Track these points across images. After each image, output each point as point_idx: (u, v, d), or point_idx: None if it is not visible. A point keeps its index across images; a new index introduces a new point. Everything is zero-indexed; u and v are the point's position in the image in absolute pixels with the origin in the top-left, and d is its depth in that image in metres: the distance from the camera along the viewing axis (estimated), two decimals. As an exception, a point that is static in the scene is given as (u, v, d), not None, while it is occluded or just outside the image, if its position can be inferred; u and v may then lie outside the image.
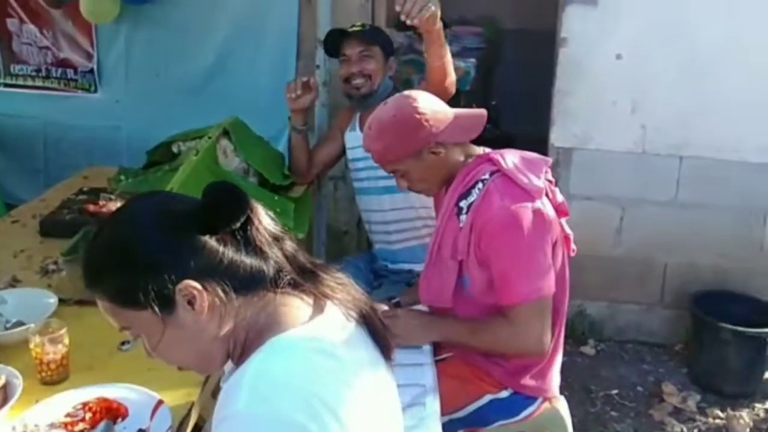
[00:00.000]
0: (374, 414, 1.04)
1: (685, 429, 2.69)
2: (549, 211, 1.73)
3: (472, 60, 4.49)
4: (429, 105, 1.78)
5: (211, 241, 1.00)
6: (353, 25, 2.55)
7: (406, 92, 1.83)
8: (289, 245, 1.09)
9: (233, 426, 0.92)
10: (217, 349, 1.04)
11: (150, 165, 2.49)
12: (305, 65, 2.99)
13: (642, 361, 3.13)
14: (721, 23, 2.84)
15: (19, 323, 1.68)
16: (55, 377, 1.52)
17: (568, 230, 1.89)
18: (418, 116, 1.74)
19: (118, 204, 1.85)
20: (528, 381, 1.84)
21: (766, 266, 3.05)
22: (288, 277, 1.05)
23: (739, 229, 3.04)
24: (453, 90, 2.30)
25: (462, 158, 1.82)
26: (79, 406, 1.44)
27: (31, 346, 1.50)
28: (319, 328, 1.03)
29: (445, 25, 5.29)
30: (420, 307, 1.96)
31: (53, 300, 1.73)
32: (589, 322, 3.26)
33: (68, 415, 1.42)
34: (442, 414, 1.71)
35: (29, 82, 3.34)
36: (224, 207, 1.01)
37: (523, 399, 1.85)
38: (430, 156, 1.77)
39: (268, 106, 3.01)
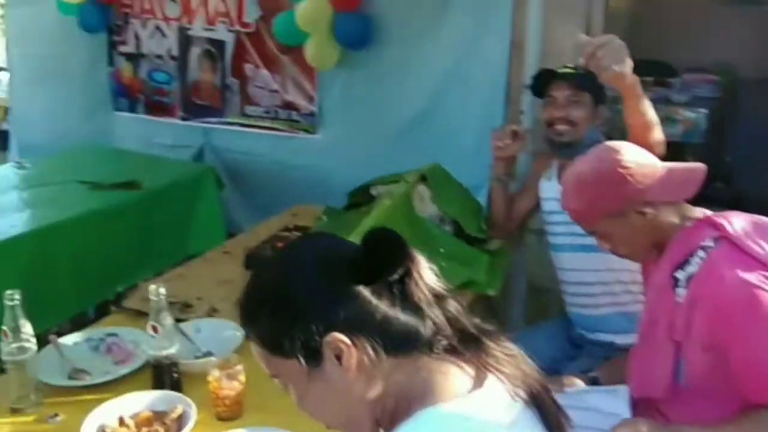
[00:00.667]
0: None
1: None
2: None
3: (703, 110, 4.09)
4: (635, 157, 1.58)
5: (365, 292, 0.93)
6: (565, 66, 2.41)
7: (609, 143, 1.65)
8: (453, 305, 0.99)
9: None
10: (365, 414, 0.96)
11: (350, 206, 2.55)
12: (512, 112, 2.90)
13: None
14: None
15: (208, 354, 1.76)
16: (228, 413, 1.55)
17: None
18: (621, 170, 1.55)
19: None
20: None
21: None
22: (446, 341, 0.96)
23: None
24: (660, 150, 2.02)
25: (676, 220, 1.59)
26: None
27: (209, 379, 1.55)
28: (477, 405, 0.92)
29: (672, 73, 4.94)
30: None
31: (240, 334, 1.77)
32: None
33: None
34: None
35: (260, 123, 3.60)
36: (383, 255, 0.94)
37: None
38: (636, 216, 1.57)
39: (472, 153, 2.96)
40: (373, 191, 2.43)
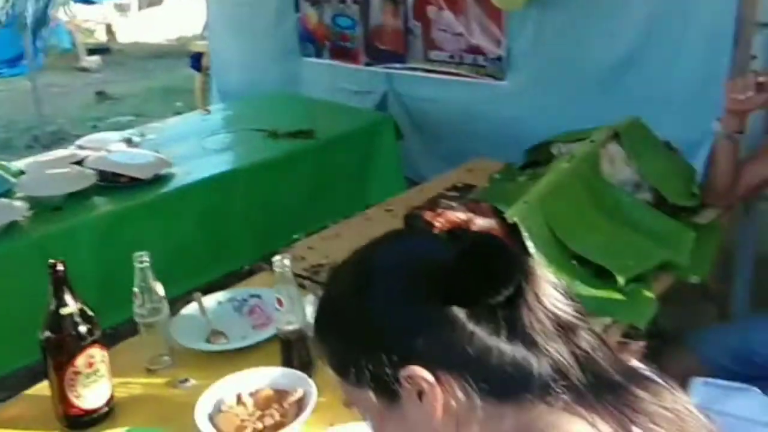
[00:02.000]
0: None
1: None
2: None
3: None
4: None
5: (459, 316, 0.71)
6: None
7: None
8: (585, 339, 0.74)
9: None
10: None
11: (527, 165, 2.23)
12: (741, 57, 2.36)
13: None
14: None
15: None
16: (356, 401, 1.37)
17: None
18: None
19: (459, 215, 1.62)
20: None
21: None
22: (572, 386, 0.71)
23: None
24: None
25: None
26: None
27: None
28: None
29: None
30: None
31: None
32: None
33: (355, 448, 1.27)
34: None
35: (444, 68, 3.35)
36: (487, 270, 0.70)
37: None
38: None
39: (688, 105, 2.50)
40: (554, 150, 2.08)
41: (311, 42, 3.87)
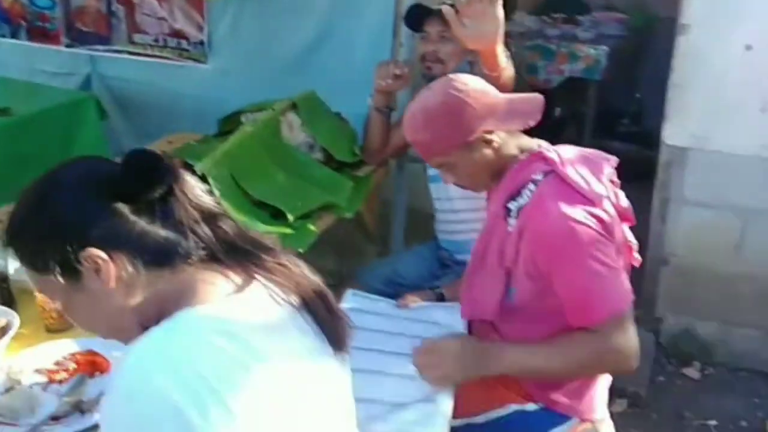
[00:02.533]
0: (289, 404, 0.94)
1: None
2: (612, 218, 1.51)
3: (604, 48, 4.16)
4: (479, 89, 1.60)
5: (123, 209, 0.95)
6: (443, 2, 2.41)
7: (453, 76, 1.65)
8: (224, 223, 1.02)
9: (110, 396, 0.88)
10: (129, 321, 0.98)
11: (220, 134, 2.51)
12: (395, 47, 2.88)
13: (755, 393, 2.74)
14: None
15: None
16: (57, 325, 1.54)
17: (631, 239, 1.66)
18: (469, 100, 1.56)
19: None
20: (560, 397, 1.63)
21: None
22: (210, 253, 0.98)
23: None
24: (509, 88, 2.01)
25: (516, 152, 1.62)
26: (69, 356, 1.45)
27: (36, 292, 1.53)
28: (231, 307, 0.95)
29: (584, 11, 4.98)
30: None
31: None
32: (698, 343, 2.90)
33: (56, 363, 1.44)
34: (458, 416, 1.56)
35: (148, 51, 3.49)
36: (143, 175, 0.95)
37: (553, 416, 1.64)
38: (482, 147, 1.58)
39: (360, 82, 2.94)
40: (244, 119, 2.39)
41: (5, 22, 3.74)
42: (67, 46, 3.64)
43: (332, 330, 1.04)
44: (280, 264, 1.03)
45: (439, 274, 2.35)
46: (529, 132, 1.69)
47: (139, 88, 3.56)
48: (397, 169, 2.81)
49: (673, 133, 2.75)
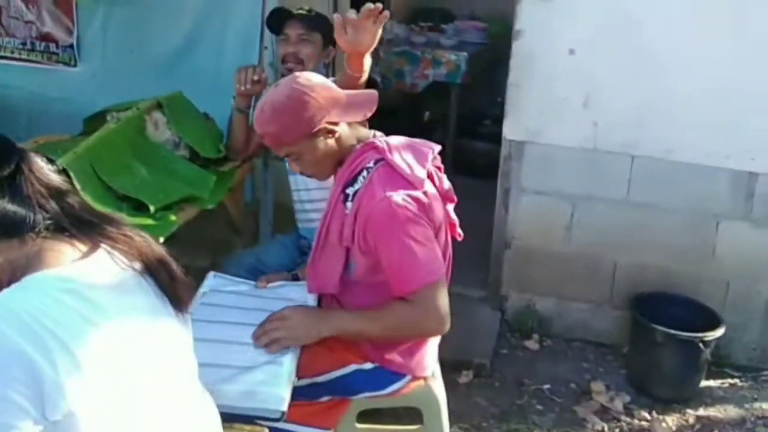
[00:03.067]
0: (133, 358, 1.09)
1: (606, 428, 2.66)
2: (431, 199, 1.75)
3: (464, 54, 4.50)
4: (321, 85, 1.78)
5: None
6: (300, 8, 2.61)
7: (297, 74, 1.83)
8: (72, 199, 1.15)
9: None
10: None
11: (86, 132, 2.60)
12: (261, 51, 3.07)
13: (584, 359, 3.10)
14: (676, 21, 2.79)
15: None
16: None
17: (453, 216, 1.92)
18: (312, 95, 1.73)
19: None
20: (394, 357, 1.86)
21: (715, 272, 2.98)
22: (53, 223, 1.11)
23: (691, 232, 2.98)
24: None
25: (354, 142, 1.83)
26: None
27: None
28: (76, 270, 1.08)
29: (451, 19, 5.31)
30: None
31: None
32: (537, 318, 3.24)
33: None
34: (303, 376, 1.77)
35: (16, 55, 3.51)
36: None
37: (389, 374, 1.87)
38: (325, 137, 1.77)
39: (230, 84, 3.07)
40: (109, 117, 2.50)
41: None
42: (-71, 49, 3.59)
43: (173, 293, 1.20)
44: (123, 234, 1.18)
45: (299, 261, 2.52)
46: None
47: (7, 92, 3.55)
48: (263, 166, 3.00)
49: (511, 129, 3.07)
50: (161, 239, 2.09)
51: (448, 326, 1.75)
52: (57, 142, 2.52)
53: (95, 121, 2.56)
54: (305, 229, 2.58)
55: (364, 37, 1.97)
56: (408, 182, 1.74)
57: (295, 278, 2.16)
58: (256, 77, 2.48)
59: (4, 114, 3.55)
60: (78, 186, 2.02)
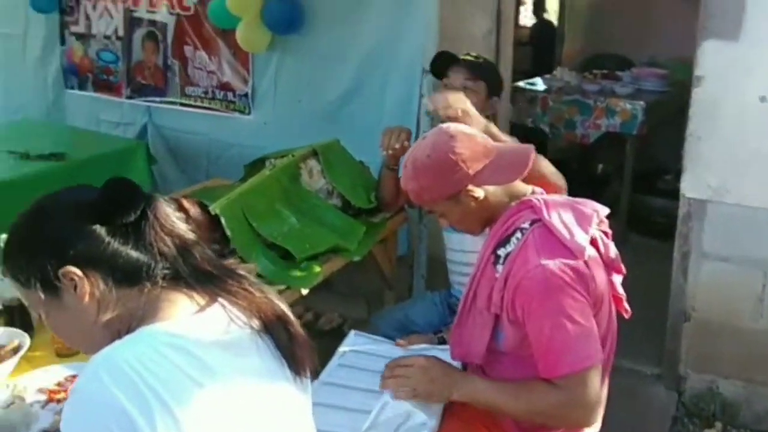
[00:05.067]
0: (239, 425, 1.03)
1: None
2: (593, 269, 1.56)
3: (641, 103, 4.18)
4: (468, 143, 1.65)
5: (100, 231, 1.05)
6: (467, 54, 2.52)
7: (445, 126, 1.71)
8: (195, 249, 1.12)
9: (69, 401, 0.98)
10: (101, 335, 1.08)
11: (245, 179, 2.67)
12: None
13: (777, 457, 2.66)
14: None
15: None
16: (66, 350, 1.68)
17: (620, 290, 1.70)
18: (453, 157, 1.61)
19: (185, 204, 2.01)
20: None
21: None
22: (172, 273, 1.08)
23: None
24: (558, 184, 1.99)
25: (506, 200, 1.67)
26: (69, 378, 1.59)
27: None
28: (189, 326, 1.04)
29: (628, 66, 4.99)
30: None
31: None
32: (721, 403, 2.83)
33: (58, 383, 1.58)
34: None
35: (199, 103, 3.75)
36: (118, 200, 1.06)
37: (530, 458, 1.68)
38: (468, 199, 1.64)
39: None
40: (267, 164, 2.55)
41: (75, 74, 4.09)
42: (128, 97, 3.95)
43: (292, 354, 1.12)
44: (244, 289, 1.12)
45: (449, 321, 2.38)
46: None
47: (188, 137, 3.82)
48: (417, 217, 2.91)
49: (691, 186, 2.75)
50: (305, 291, 2.05)
51: (597, 419, 1.54)
52: (220, 187, 2.60)
53: (255, 167, 2.61)
54: (459, 289, 2.43)
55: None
56: (567, 249, 1.54)
57: (441, 341, 2.03)
58: (398, 145, 2.39)
59: (188, 157, 3.82)
60: (228, 231, 2.05)
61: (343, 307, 3.32)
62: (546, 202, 1.63)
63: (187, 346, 1.01)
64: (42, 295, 1.07)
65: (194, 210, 2.06)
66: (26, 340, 1.64)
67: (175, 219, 1.12)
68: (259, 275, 2.03)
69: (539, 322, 1.51)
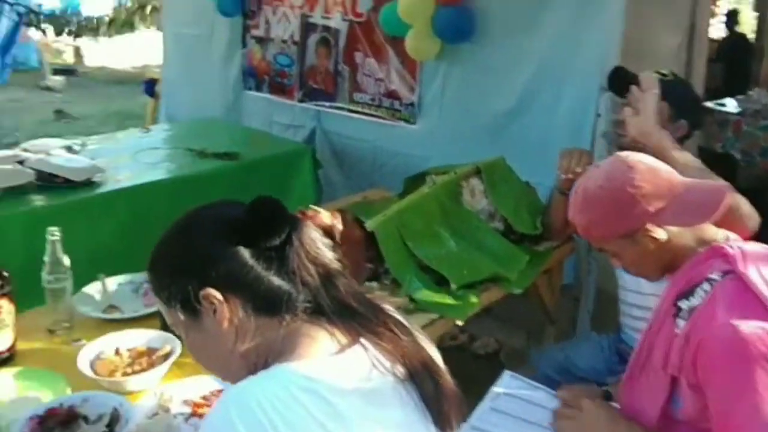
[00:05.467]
0: None
1: None
2: None
3: None
4: (650, 175, 1.45)
5: (243, 254, 1.00)
6: (656, 70, 2.27)
7: (624, 155, 1.51)
8: (339, 280, 1.04)
9: (200, 429, 0.97)
10: (237, 366, 1.03)
11: (404, 193, 2.58)
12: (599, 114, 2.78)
13: None
14: None
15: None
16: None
17: None
18: (631, 190, 1.42)
19: (326, 220, 1.95)
20: None
21: None
22: (314, 305, 1.01)
23: None
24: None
25: (692, 244, 1.45)
26: (215, 392, 1.57)
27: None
28: (326, 367, 0.97)
29: None
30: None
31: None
32: None
33: (203, 397, 1.56)
34: None
35: (366, 110, 3.73)
36: (264, 222, 1.01)
37: None
38: (646, 240, 1.44)
39: (555, 154, 2.89)
40: (428, 180, 2.45)
41: (253, 76, 4.24)
42: (299, 101, 4.03)
43: (438, 407, 1.02)
44: (389, 329, 1.03)
45: (617, 370, 2.13)
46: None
47: (354, 143, 3.82)
48: (586, 248, 2.69)
49: None
50: (460, 321, 1.93)
51: None
52: (380, 200, 2.54)
53: (415, 181, 2.53)
54: (630, 335, 2.19)
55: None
56: (765, 309, 1.30)
57: (607, 396, 1.82)
58: (579, 169, 2.18)
59: (353, 163, 3.83)
60: (383, 251, 1.97)
61: (501, 333, 3.16)
62: (743, 252, 1.39)
63: (320, 390, 0.93)
64: (182, 316, 1.03)
65: (340, 225, 2.00)
66: (178, 347, 1.65)
67: (320, 245, 1.05)
68: (411, 298, 1.95)
69: (723, 395, 1.29)
